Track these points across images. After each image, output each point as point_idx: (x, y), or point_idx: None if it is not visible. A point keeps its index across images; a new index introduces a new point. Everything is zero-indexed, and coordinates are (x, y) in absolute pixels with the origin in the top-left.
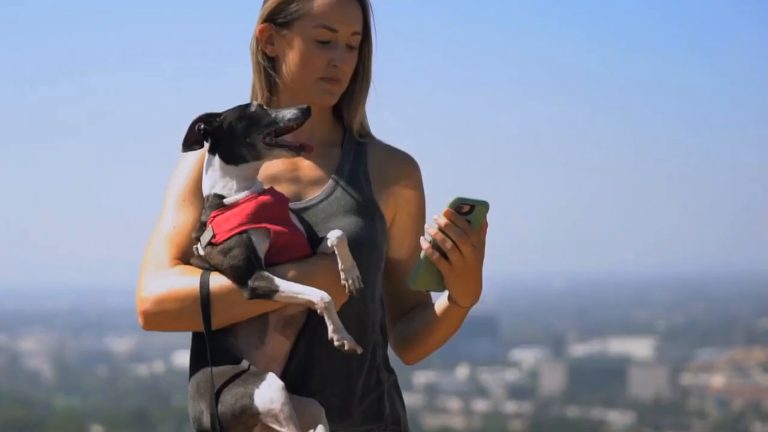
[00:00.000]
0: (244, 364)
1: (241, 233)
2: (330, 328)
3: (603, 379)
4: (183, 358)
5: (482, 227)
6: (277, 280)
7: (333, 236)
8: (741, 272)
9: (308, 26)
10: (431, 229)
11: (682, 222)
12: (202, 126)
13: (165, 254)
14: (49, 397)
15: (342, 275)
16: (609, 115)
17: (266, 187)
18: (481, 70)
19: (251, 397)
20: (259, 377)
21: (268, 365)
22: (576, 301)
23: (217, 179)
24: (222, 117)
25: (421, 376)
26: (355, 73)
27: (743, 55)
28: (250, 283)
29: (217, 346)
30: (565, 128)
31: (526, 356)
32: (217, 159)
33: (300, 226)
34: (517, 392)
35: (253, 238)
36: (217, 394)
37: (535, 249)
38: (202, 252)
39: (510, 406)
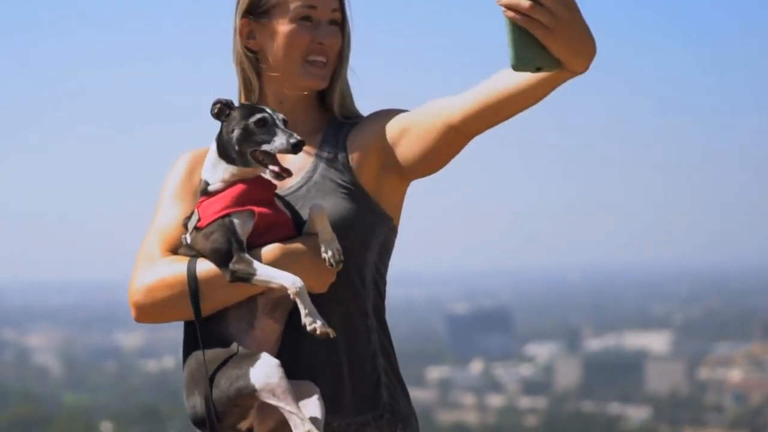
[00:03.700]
0: (234, 347)
1: (224, 217)
2: (302, 312)
3: (619, 374)
4: None
5: None
6: (255, 264)
7: (312, 209)
8: (759, 264)
9: (288, 7)
10: None
11: (700, 214)
12: (216, 110)
13: (156, 247)
14: (57, 394)
15: (322, 248)
16: (602, 104)
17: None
18: (468, 61)
19: (246, 376)
20: (253, 357)
21: (259, 349)
22: (591, 294)
23: (209, 167)
24: (231, 113)
25: (434, 372)
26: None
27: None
28: (230, 265)
29: (208, 333)
30: (570, 116)
31: (541, 351)
32: (215, 147)
33: (285, 210)
34: (531, 387)
35: (236, 221)
36: (212, 380)
37: (549, 242)
38: (189, 239)
39: (525, 402)
